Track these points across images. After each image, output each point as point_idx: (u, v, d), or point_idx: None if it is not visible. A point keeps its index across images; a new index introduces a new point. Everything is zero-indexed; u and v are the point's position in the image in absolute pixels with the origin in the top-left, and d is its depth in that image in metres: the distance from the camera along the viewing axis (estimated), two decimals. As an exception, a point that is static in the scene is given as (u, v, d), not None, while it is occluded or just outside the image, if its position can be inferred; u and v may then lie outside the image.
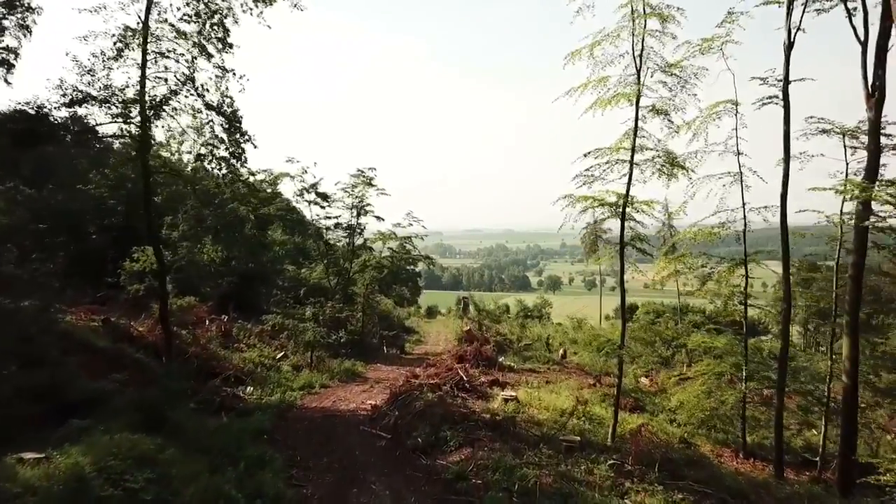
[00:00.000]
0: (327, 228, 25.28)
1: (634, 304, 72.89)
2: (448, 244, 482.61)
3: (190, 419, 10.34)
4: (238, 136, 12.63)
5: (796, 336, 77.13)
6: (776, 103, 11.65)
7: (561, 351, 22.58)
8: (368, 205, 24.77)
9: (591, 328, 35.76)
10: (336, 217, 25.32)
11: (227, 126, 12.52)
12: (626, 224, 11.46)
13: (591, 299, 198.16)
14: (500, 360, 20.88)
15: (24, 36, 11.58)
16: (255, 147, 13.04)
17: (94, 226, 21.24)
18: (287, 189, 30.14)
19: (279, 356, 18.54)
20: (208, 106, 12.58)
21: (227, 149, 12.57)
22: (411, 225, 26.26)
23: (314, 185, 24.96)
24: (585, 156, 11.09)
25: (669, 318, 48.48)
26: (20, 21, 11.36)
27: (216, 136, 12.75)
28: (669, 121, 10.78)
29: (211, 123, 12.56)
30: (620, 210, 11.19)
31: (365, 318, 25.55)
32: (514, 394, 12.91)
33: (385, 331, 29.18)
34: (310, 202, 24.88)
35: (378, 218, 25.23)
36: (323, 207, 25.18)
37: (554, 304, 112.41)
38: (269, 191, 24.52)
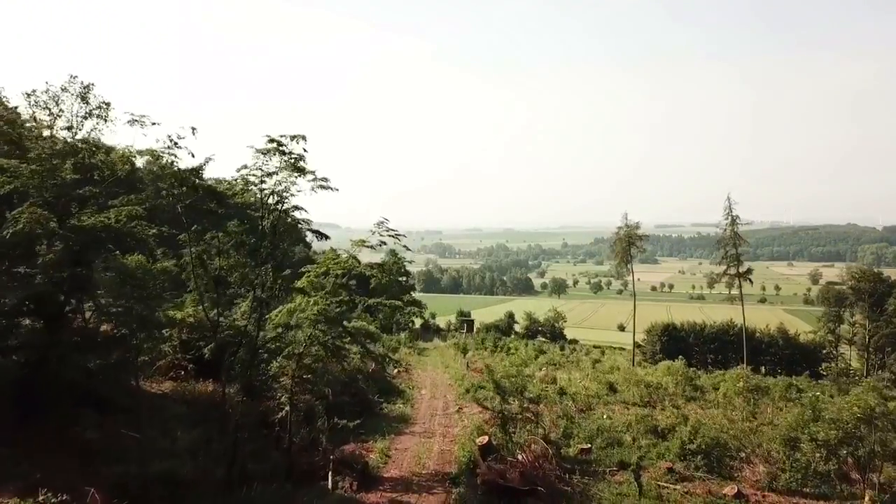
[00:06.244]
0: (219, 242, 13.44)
1: (671, 324, 60.99)
2: (448, 244, 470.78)
3: None
4: None
5: (855, 360, 65.64)
6: None
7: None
8: (295, 209, 12.97)
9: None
10: (239, 233, 13.52)
11: None
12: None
13: (598, 303, 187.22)
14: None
15: None
16: None
17: None
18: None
19: None
20: None
21: None
22: (383, 244, 14.54)
23: (195, 172, 13.22)
24: None
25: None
26: None
27: None
28: None
29: None
30: None
31: (292, 426, 13.76)
32: None
33: (343, 419, 17.43)
34: (186, 202, 13.12)
35: (318, 235, 13.52)
36: (214, 212, 13.45)
37: (563, 310, 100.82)
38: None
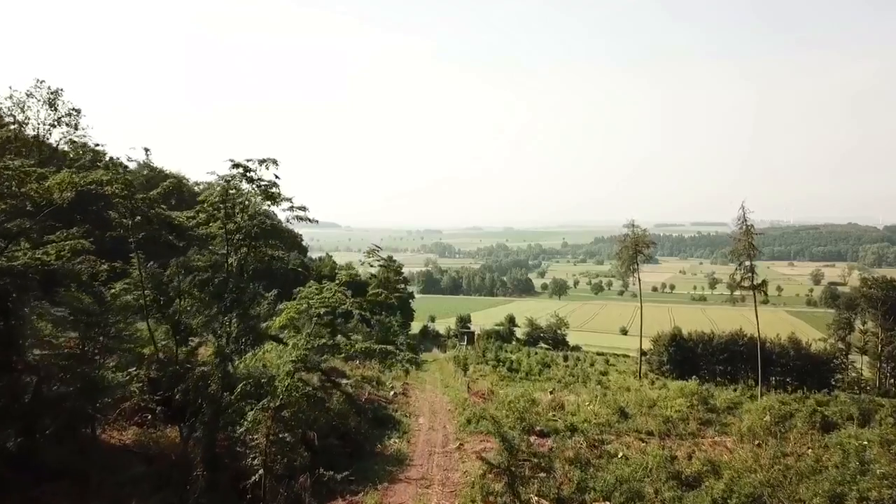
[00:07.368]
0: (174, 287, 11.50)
1: (678, 333, 59.01)
2: (448, 243, 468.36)
3: None
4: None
5: (867, 369, 63.58)
6: None
7: None
8: (268, 245, 11.01)
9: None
10: (205, 268, 11.58)
11: None
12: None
13: (600, 305, 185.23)
14: None
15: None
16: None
17: None
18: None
19: None
20: None
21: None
22: (373, 277, 12.60)
23: (149, 201, 11.27)
24: None
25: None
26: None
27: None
28: None
29: None
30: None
31: (267, 491, 11.84)
32: None
33: (331, 468, 15.43)
34: (140, 236, 11.20)
35: (299, 270, 11.47)
36: (177, 245, 11.55)
37: (565, 313, 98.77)
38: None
